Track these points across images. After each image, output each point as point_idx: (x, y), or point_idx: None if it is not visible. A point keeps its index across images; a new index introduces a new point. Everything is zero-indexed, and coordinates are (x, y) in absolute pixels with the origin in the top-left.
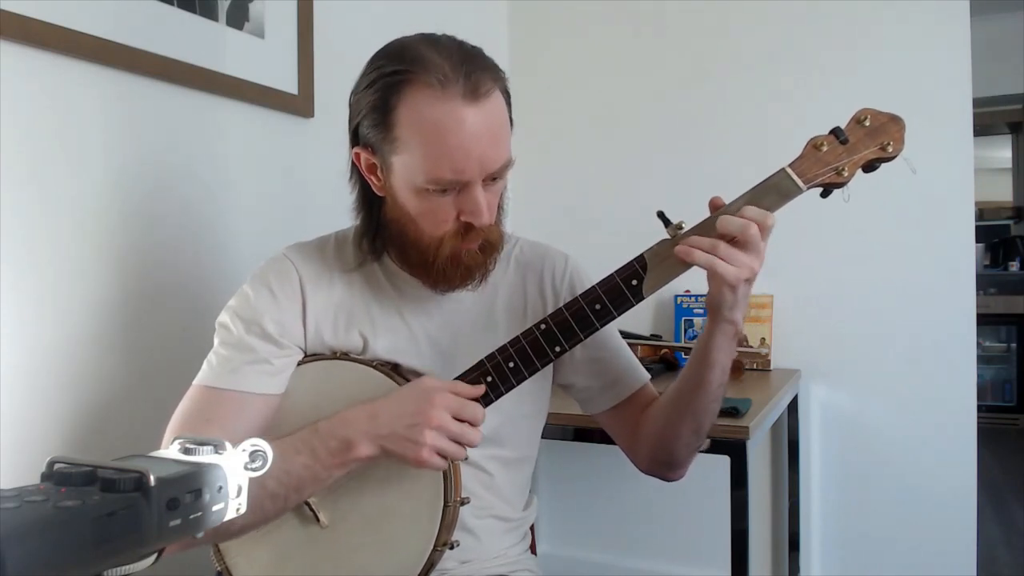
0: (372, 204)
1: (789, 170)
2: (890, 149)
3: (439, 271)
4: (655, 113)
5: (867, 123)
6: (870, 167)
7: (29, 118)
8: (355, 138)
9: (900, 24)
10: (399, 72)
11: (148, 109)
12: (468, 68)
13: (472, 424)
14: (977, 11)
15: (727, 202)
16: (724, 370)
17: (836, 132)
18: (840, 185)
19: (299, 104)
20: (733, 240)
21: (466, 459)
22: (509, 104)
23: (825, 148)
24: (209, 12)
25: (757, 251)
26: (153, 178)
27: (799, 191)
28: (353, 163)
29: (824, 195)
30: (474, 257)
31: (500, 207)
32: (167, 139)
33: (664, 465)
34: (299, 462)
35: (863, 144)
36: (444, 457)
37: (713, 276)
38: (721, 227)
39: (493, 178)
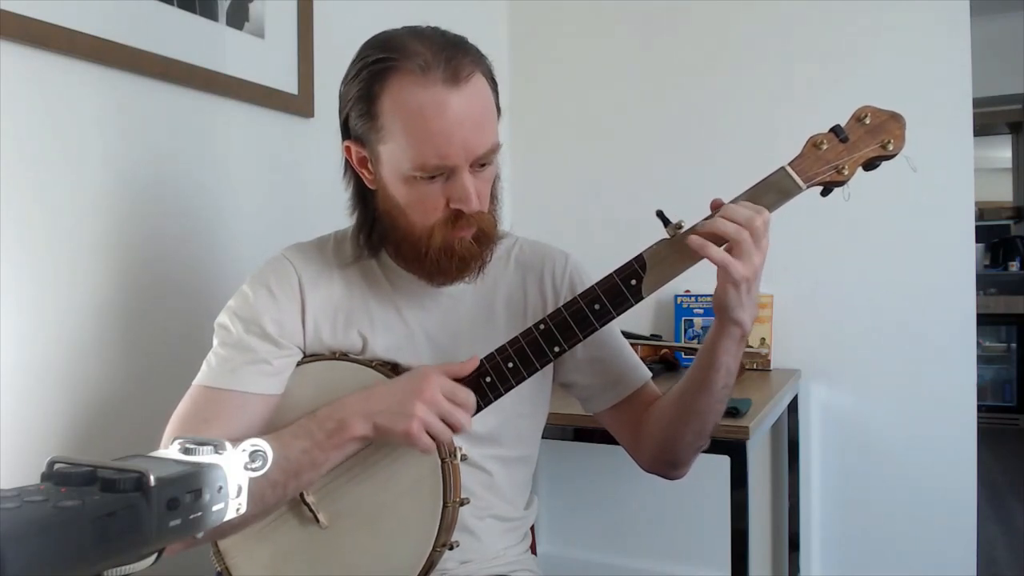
0: (366, 198)
1: (789, 169)
2: (891, 147)
3: (433, 262)
4: (655, 113)
5: (867, 121)
6: (871, 165)
7: (29, 118)
8: (345, 131)
9: (900, 24)
10: (381, 60)
11: (148, 109)
12: (448, 54)
13: (463, 408)
14: (977, 11)
15: (727, 199)
16: (729, 372)
17: (836, 130)
18: (840, 184)
19: (299, 104)
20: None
21: (465, 457)
22: (496, 90)
23: (825, 146)
24: (209, 12)
25: (760, 246)
26: (153, 178)
27: (799, 190)
28: (346, 158)
29: (824, 194)
30: (468, 248)
31: (494, 196)
32: (167, 139)
33: (667, 464)
34: (298, 447)
35: (863, 142)
36: (433, 439)
37: (721, 272)
38: (729, 214)
39: (481, 164)
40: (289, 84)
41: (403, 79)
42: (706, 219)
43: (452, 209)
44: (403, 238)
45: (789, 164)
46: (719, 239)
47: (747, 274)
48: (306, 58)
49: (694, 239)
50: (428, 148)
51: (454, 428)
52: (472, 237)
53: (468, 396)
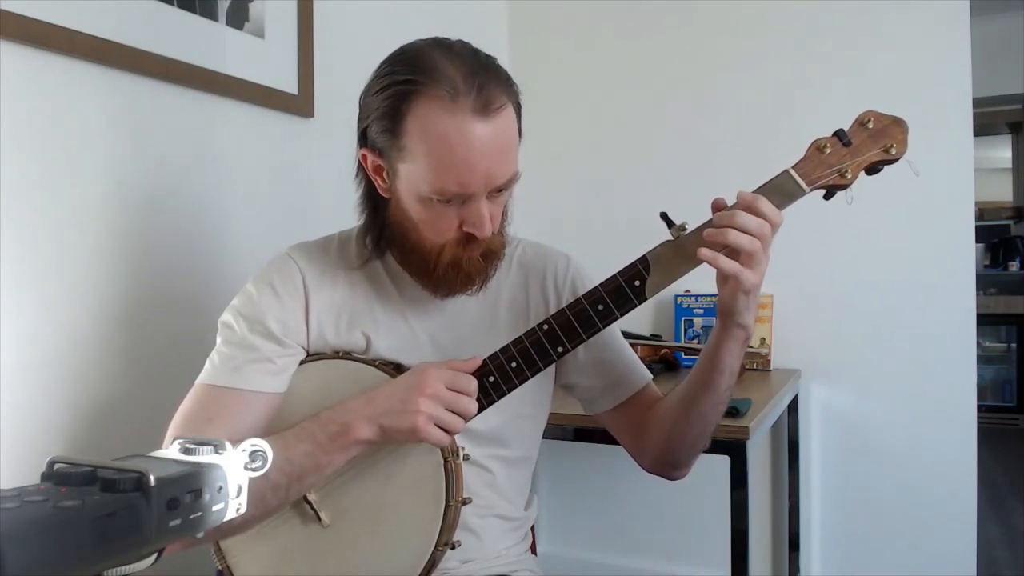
0: (376, 203)
1: (792, 172)
2: (893, 151)
3: (440, 277)
4: (657, 114)
5: (870, 125)
6: (873, 169)
7: (29, 118)
8: (363, 139)
9: (900, 24)
10: (411, 81)
11: (148, 109)
12: (481, 81)
13: (466, 394)
14: (977, 11)
15: (729, 204)
16: (733, 373)
17: (839, 134)
18: (843, 187)
19: (299, 104)
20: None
21: (468, 457)
22: (520, 117)
23: (828, 150)
24: (209, 12)
25: (767, 250)
26: (153, 178)
27: (802, 193)
28: (360, 162)
29: (827, 197)
30: (475, 264)
31: (504, 214)
32: (167, 139)
33: (668, 465)
34: (301, 450)
35: (866, 146)
36: (444, 430)
37: (731, 281)
38: (739, 223)
39: (498, 191)
40: (289, 84)
41: (431, 103)
42: (709, 222)
43: (464, 231)
44: (412, 250)
45: (792, 167)
46: (731, 250)
47: (757, 282)
48: (306, 58)
49: (704, 251)
50: (449, 175)
51: (461, 415)
52: (480, 255)
53: (469, 382)
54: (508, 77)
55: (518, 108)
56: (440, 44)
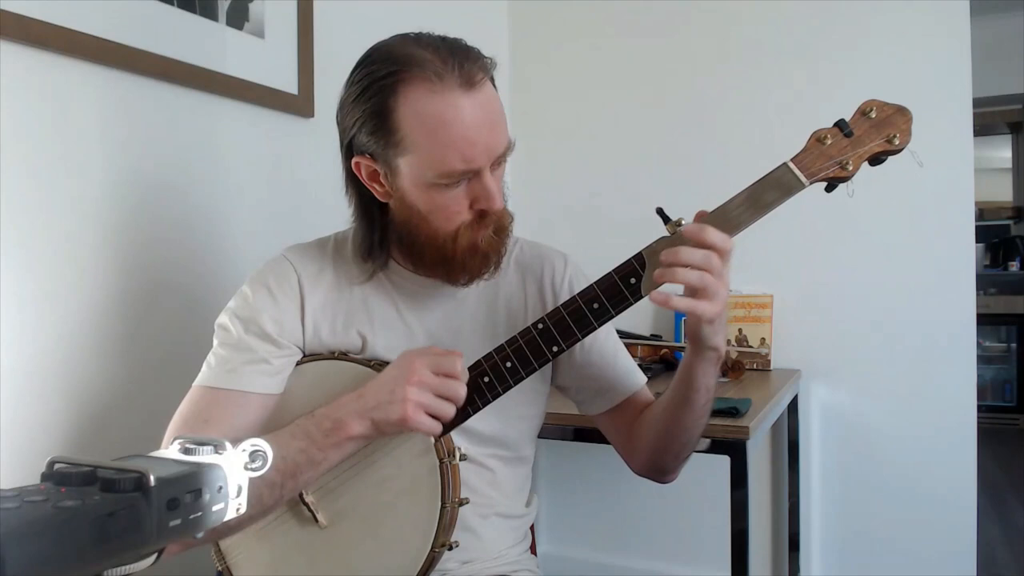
0: (372, 213)
1: (791, 164)
2: (896, 142)
3: (460, 263)
4: (655, 112)
5: (873, 115)
6: (876, 160)
7: (29, 118)
8: (350, 150)
9: (900, 24)
10: (392, 73)
11: (148, 109)
12: (458, 59)
13: (453, 378)
14: (977, 11)
15: (727, 197)
16: (709, 390)
17: (840, 125)
18: (844, 179)
19: (299, 104)
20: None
21: (464, 457)
22: (495, 88)
23: (829, 141)
24: (209, 12)
25: (722, 278)
26: (153, 178)
27: (801, 186)
28: (350, 173)
29: (828, 190)
30: (490, 242)
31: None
32: (167, 139)
33: (656, 470)
34: (295, 447)
35: (869, 137)
36: (434, 417)
37: (693, 315)
38: (682, 259)
39: (498, 162)
40: (289, 84)
41: (418, 88)
42: (662, 251)
43: (476, 211)
44: (425, 244)
45: (791, 160)
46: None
47: (718, 310)
48: (306, 58)
49: (655, 295)
50: (453, 154)
51: (451, 400)
52: (493, 231)
53: (454, 363)
54: (479, 51)
55: (493, 80)
56: (406, 36)
